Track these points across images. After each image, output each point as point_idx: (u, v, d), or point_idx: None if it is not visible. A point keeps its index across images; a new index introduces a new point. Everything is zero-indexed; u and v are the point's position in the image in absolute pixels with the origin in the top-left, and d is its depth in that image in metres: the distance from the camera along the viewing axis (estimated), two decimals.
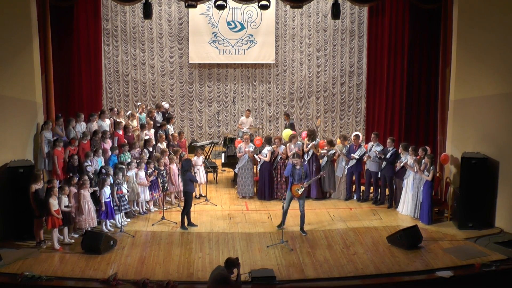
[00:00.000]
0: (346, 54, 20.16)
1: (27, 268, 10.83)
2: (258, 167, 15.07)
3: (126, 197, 13.32)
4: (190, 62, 19.84)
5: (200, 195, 15.33)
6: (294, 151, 14.64)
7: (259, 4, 15.38)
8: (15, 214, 12.32)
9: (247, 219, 13.82)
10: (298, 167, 12.86)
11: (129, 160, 13.96)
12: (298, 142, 15.21)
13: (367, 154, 14.74)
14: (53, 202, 11.72)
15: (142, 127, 15.76)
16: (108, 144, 14.55)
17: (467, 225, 13.15)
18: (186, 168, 13.16)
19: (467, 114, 13.77)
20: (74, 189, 12.28)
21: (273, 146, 15.05)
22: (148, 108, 17.73)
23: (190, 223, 13.23)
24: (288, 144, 15.17)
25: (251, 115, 19.30)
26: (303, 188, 12.75)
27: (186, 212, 13.16)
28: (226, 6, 15.70)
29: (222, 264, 9.32)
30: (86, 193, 12.46)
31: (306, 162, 14.72)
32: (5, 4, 12.93)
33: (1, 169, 12.54)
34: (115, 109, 16.77)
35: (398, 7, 17.42)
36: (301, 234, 12.82)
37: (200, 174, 15.24)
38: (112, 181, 12.91)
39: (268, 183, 15.00)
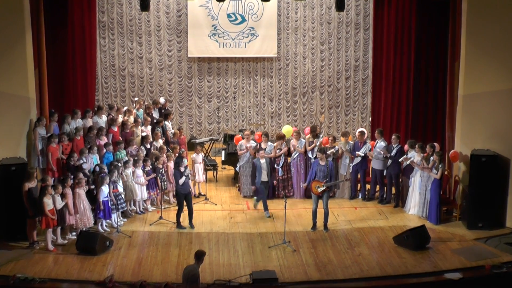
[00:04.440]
0: (351, 47, 20.12)
1: (20, 270, 10.83)
2: None
3: (123, 195, 13.32)
4: (189, 56, 19.81)
5: (200, 194, 15.31)
6: (297, 146, 14.68)
7: None
8: (7, 214, 12.32)
9: (248, 219, 13.81)
10: (322, 163, 12.91)
11: (126, 158, 13.94)
12: (302, 140, 15.19)
13: (370, 152, 14.71)
14: (48, 202, 11.71)
15: (136, 122, 15.73)
16: (103, 141, 14.53)
17: (477, 225, 13.13)
18: (175, 164, 13.24)
19: (477, 109, 13.73)
20: (68, 191, 12.24)
21: (275, 144, 15.03)
22: (146, 104, 17.70)
23: (191, 224, 13.23)
24: (291, 140, 15.17)
25: None
26: (324, 188, 12.80)
27: (179, 213, 13.16)
28: None
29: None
30: (81, 191, 12.46)
31: (313, 161, 14.71)
32: None
33: None
34: (115, 105, 16.74)
35: None
36: (305, 235, 12.82)
37: (199, 172, 15.23)
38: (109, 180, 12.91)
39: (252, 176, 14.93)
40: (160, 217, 13.56)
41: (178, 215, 13.21)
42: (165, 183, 14.40)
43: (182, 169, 13.18)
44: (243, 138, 15.41)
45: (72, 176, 12.64)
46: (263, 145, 14.96)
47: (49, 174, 13.46)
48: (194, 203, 13.92)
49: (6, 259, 11.40)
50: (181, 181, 13.09)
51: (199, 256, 9.63)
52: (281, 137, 15.13)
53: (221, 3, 17.72)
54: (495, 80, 13.34)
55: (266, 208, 13.93)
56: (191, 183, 14.34)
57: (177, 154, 14.86)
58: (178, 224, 13.17)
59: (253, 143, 15.14)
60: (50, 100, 15.22)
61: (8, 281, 10.32)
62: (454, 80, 14.58)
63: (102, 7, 19.16)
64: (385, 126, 16.86)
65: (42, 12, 14.59)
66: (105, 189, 12.76)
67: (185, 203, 13.24)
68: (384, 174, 14.66)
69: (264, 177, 13.90)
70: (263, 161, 13.88)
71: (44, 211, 11.66)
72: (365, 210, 14.42)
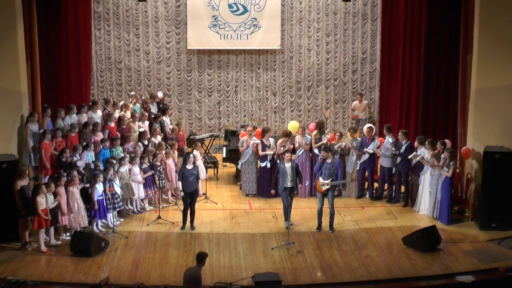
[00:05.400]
0: (358, 39, 20.06)
1: (11, 272, 10.82)
2: (262, 164, 14.95)
3: (119, 194, 13.30)
4: (188, 48, 19.77)
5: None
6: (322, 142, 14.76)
7: None
8: None
9: (251, 219, 13.79)
10: (328, 160, 12.88)
11: (122, 155, 13.91)
12: (307, 136, 15.15)
13: (378, 149, 14.65)
14: (41, 201, 11.67)
15: (133, 117, 15.69)
16: (99, 137, 14.51)
17: (490, 226, 13.09)
18: (183, 162, 13.20)
19: (490, 104, 13.68)
20: (61, 190, 12.19)
21: (279, 141, 15.00)
22: (143, 98, 17.68)
23: (192, 227, 13.19)
24: (296, 137, 15.14)
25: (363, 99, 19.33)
26: (328, 186, 12.76)
27: (185, 212, 13.14)
28: None
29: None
30: (75, 190, 12.44)
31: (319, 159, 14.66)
32: None
33: None
34: (111, 100, 16.72)
35: None
36: (309, 235, 12.80)
37: (202, 169, 15.20)
38: (103, 177, 12.87)
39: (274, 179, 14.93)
40: (158, 217, 13.53)
41: (184, 214, 13.17)
42: (163, 181, 14.36)
43: (189, 166, 13.12)
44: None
45: (65, 174, 12.61)
46: (265, 142, 14.92)
47: (42, 172, 13.45)
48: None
49: None
50: (179, 183, 13.06)
51: (201, 258, 9.57)
52: (287, 135, 15.05)
53: None
54: (510, 73, 13.31)
55: (287, 217, 13.03)
56: (200, 182, 14.35)
57: (175, 151, 14.86)
58: (184, 224, 13.13)
59: (255, 140, 15.10)
60: (42, 95, 15.20)
61: None
62: (466, 74, 14.53)
63: None
64: (393, 122, 16.83)
65: (35, 2, 14.55)
66: (99, 187, 12.72)
67: None
68: (393, 172, 14.62)
69: (288, 183, 12.98)
70: (288, 164, 12.99)
71: (37, 210, 11.62)
72: (373, 210, 14.39)
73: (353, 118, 19.43)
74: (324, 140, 14.81)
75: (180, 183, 13.16)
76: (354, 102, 19.34)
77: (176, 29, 19.74)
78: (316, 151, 14.90)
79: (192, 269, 9.53)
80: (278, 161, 13.97)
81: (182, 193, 13.19)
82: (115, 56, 19.69)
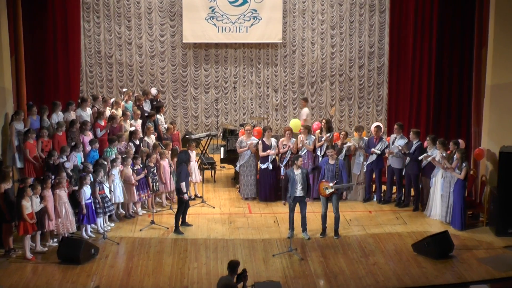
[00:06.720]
0: (365, 32, 20.07)
1: None
2: (263, 165, 14.95)
3: (115, 196, 13.29)
4: (184, 41, 19.79)
5: (196, 196, 15.29)
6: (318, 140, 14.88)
7: None
8: None
9: (250, 224, 13.82)
10: (332, 161, 12.87)
11: (113, 156, 13.89)
12: (311, 135, 15.15)
13: (388, 149, 14.64)
14: (26, 205, 11.64)
15: (124, 115, 15.67)
16: (88, 137, 14.49)
17: (506, 231, 13.09)
18: (183, 160, 13.17)
19: (506, 101, 13.70)
20: (48, 193, 12.17)
21: (282, 139, 15.02)
22: (136, 95, 17.67)
23: (184, 223, 13.29)
24: (299, 136, 15.15)
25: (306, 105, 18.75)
26: (332, 190, 12.74)
27: (180, 214, 13.16)
28: None
29: (219, 275, 9.44)
30: (63, 193, 12.42)
31: (321, 159, 14.66)
32: None
33: None
34: (100, 96, 16.71)
35: None
36: (313, 241, 12.81)
37: (195, 171, 15.20)
38: (92, 179, 12.85)
39: (274, 182, 14.93)
40: (152, 222, 13.54)
41: (177, 218, 13.19)
42: (157, 183, 14.35)
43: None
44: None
45: (53, 177, 12.59)
46: (266, 141, 14.92)
47: (27, 173, 13.43)
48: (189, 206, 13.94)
49: None
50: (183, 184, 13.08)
51: (233, 267, 9.67)
52: (287, 130, 15.06)
53: None
54: None
55: (291, 226, 12.70)
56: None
57: (170, 151, 14.86)
58: (177, 228, 13.14)
59: (254, 140, 15.09)
60: (28, 92, 15.19)
61: None
62: (481, 69, 14.54)
63: None
64: (403, 120, 16.81)
65: None
66: (87, 190, 12.70)
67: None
68: (403, 173, 14.59)
69: (299, 192, 12.62)
70: (298, 172, 12.67)
71: (22, 215, 11.59)
72: (381, 214, 14.40)
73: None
74: (329, 138, 14.80)
75: (183, 184, 13.05)
76: None
77: (170, 21, 19.76)
78: (317, 151, 14.91)
79: (225, 279, 9.61)
80: (285, 168, 13.94)
81: (186, 195, 13.14)
82: (105, 50, 19.70)
